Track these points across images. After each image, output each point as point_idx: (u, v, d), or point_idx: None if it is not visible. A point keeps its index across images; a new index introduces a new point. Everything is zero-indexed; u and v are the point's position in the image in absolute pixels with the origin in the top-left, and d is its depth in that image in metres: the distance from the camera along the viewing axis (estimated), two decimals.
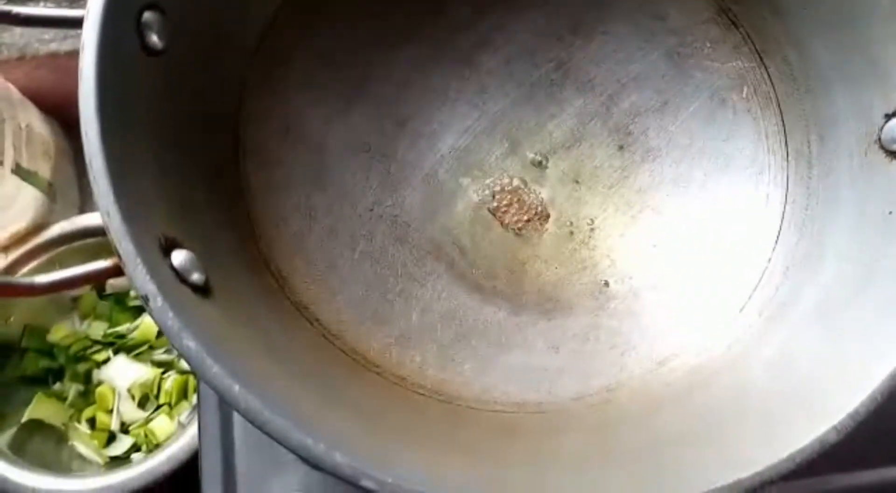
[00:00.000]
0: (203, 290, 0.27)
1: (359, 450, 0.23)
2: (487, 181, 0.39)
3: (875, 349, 0.26)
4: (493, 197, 0.39)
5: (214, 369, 0.24)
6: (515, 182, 0.39)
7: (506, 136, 0.39)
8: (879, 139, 0.31)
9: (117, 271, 0.25)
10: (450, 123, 0.39)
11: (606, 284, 0.37)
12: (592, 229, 0.38)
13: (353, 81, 0.38)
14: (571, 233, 0.38)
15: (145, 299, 0.24)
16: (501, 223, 0.38)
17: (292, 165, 0.36)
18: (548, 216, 0.38)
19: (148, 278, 0.24)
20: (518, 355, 0.35)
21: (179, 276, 0.26)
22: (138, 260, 0.24)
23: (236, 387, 0.23)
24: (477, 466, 0.26)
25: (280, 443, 0.23)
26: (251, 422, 0.23)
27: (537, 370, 0.34)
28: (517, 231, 0.38)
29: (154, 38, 0.29)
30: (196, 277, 0.27)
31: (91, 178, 0.25)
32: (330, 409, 0.26)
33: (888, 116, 0.31)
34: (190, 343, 0.24)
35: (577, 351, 0.35)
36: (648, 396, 0.32)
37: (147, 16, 0.28)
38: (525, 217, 0.38)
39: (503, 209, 0.38)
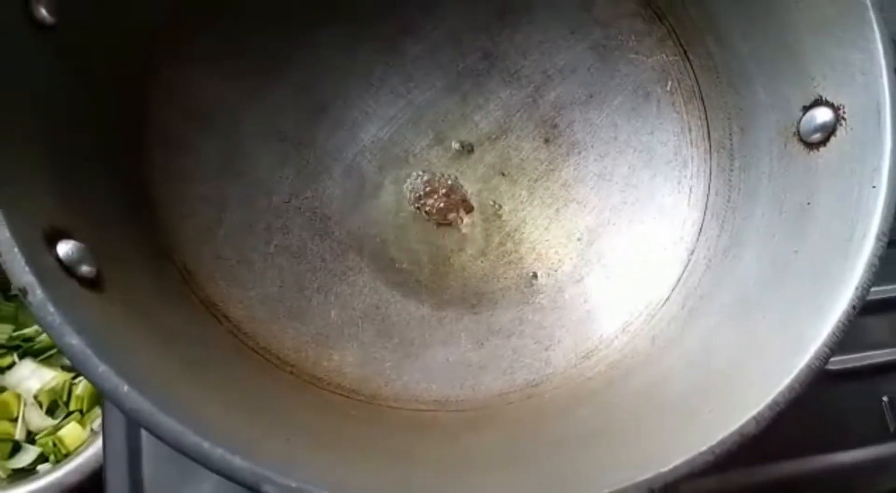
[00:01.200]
0: (92, 283, 0.25)
1: (260, 454, 0.22)
2: (411, 173, 0.37)
3: (792, 341, 0.26)
4: (417, 189, 0.37)
5: (100, 367, 0.22)
6: (440, 174, 0.38)
7: (431, 126, 0.38)
8: (798, 131, 0.32)
9: None
10: (373, 112, 0.38)
11: (535, 276, 0.36)
12: (518, 223, 0.37)
13: (269, 64, 0.36)
14: (497, 226, 0.37)
15: (23, 291, 0.22)
16: (426, 216, 0.37)
17: (202, 153, 0.34)
18: (473, 209, 0.37)
19: (26, 268, 0.22)
20: (441, 351, 0.34)
21: (65, 267, 0.24)
22: (15, 249, 0.22)
23: (124, 387, 0.21)
24: (387, 468, 0.24)
25: (172, 447, 0.21)
26: (140, 424, 0.22)
27: (461, 366, 0.33)
28: (442, 224, 0.37)
29: (43, 12, 0.26)
30: (85, 269, 0.24)
31: None
32: (233, 411, 0.25)
33: (805, 108, 0.31)
34: (72, 340, 0.22)
35: (502, 346, 0.34)
36: (570, 391, 0.32)
37: None
38: (450, 210, 0.37)
39: (427, 202, 0.37)
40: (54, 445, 0.54)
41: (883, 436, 0.39)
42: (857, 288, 0.26)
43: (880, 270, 0.42)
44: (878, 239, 0.26)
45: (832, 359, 0.39)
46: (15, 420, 0.54)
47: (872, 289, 0.40)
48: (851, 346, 0.41)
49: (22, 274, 0.22)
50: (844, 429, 0.39)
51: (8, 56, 0.25)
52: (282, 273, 0.34)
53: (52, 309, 0.22)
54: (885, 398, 0.40)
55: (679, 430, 0.26)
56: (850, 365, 0.41)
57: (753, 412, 0.24)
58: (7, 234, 0.22)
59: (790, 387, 0.25)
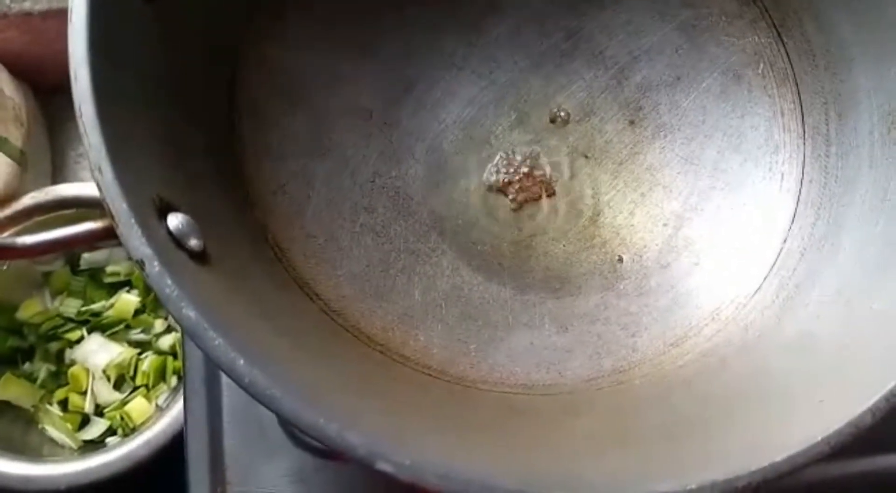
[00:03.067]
0: (201, 256, 0.25)
1: (373, 430, 0.22)
2: (493, 154, 0.37)
3: (891, 347, 0.25)
4: (499, 171, 0.37)
5: (217, 341, 0.22)
6: (522, 156, 0.37)
7: (513, 107, 0.38)
8: None
9: (108, 233, 0.23)
10: (455, 92, 0.37)
11: (620, 259, 0.36)
12: (601, 206, 0.37)
13: (356, 44, 0.35)
14: (580, 209, 0.37)
15: (140, 263, 0.22)
16: (507, 198, 0.37)
17: (290, 130, 0.34)
18: (555, 192, 0.37)
19: (143, 240, 0.22)
20: (525, 334, 0.34)
21: (176, 240, 0.24)
22: (133, 221, 0.22)
23: (241, 361, 0.21)
24: (493, 448, 0.24)
25: (288, 422, 0.21)
26: (256, 398, 0.22)
27: (545, 350, 0.33)
28: (523, 206, 0.37)
29: None
30: (194, 242, 0.25)
31: (81, 128, 0.22)
32: (337, 387, 0.25)
33: None
34: (190, 313, 0.22)
35: (587, 332, 0.34)
36: (661, 379, 0.31)
37: None
38: (532, 192, 0.37)
39: (509, 184, 0.37)
40: (122, 419, 0.55)
41: None
42: None
43: None
44: None
45: None
46: (84, 393, 0.56)
47: None
48: None
49: (140, 246, 0.22)
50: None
51: (120, 21, 0.25)
52: (367, 252, 0.33)
53: (169, 281, 0.22)
54: None
55: (786, 419, 0.25)
56: None
57: (869, 403, 0.24)
58: (125, 206, 0.22)
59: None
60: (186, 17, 0.28)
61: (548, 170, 0.37)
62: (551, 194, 0.37)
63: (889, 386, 0.24)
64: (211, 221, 0.27)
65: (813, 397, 0.25)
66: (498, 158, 0.37)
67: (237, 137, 0.32)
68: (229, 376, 0.22)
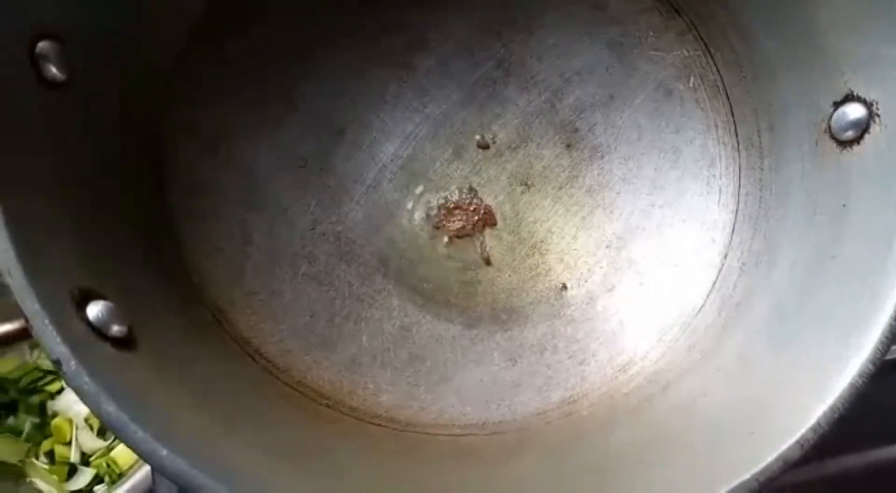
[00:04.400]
0: (125, 342, 0.25)
1: None
2: (433, 190, 0.37)
3: (833, 355, 0.25)
4: (441, 206, 0.37)
5: (138, 433, 0.22)
6: (461, 189, 0.37)
7: (449, 140, 0.38)
8: (829, 128, 0.30)
9: (25, 333, 0.23)
10: (390, 131, 0.37)
11: (565, 287, 0.36)
12: (544, 233, 0.37)
13: (281, 93, 0.35)
14: (523, 238, 0.37)
15: (57, 363, 0.22)
16: (450, 233, 0.37)
17: (223, 189, 0.34)
18: (496, 223, 0.37)
19: (58, 340, 0.22)
20: (475, 371, 0.34)
21: (97, 331, 0.24)
22: (46, 322, 0.22)
23: (163, 452, 0.22)
24: None
25: None
26: (181, 487, 0.22)
27: (495, 386, 0.33)
28: (467, 240, 0.37)
29: (53, 70, 0.26)
30: (116, 329, 0.25)
31: None
32: (276, 460, 0.25)
33: (836, 104, 0.30)
34: (109, 407, 0.22)
35: (535, 363, 0.34)
36: (607, 408, 0.31)
37: (43, 46, 0.26)
38: (474, 225, 0.37)
39: (451, 218, 0.37)
40: (108, 465, 0.55)
41: None
42: None
43: None
44: None
45: None
46: (69, 444, 0.56)
47: None
48: None
49: (54, 346, 0.22)
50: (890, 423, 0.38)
51: (19, 117, 0.25)
52: (311, 302, 0.34)
53: (86, 379, 0.22)
54: None
55: (720, 452, 0.25)
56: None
57: (797, 435, 0.24)
58: (37, 307, 0.22)
59: (833, 408, 0.24)
60: (98, 93, 0.28)
61: (488, 201, 0.37)
62: (493, 225, 0.37)
63: (815, 416, 0.24)
64: (139, 299, 0.27)
65: (745, 428, 0.26)
66: (438, 193, 0.37)
67: (167, 205, 0.32)
68: (153, 467, 0.22)
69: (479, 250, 0.37)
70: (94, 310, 0.25)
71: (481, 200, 0.37)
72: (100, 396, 0.22)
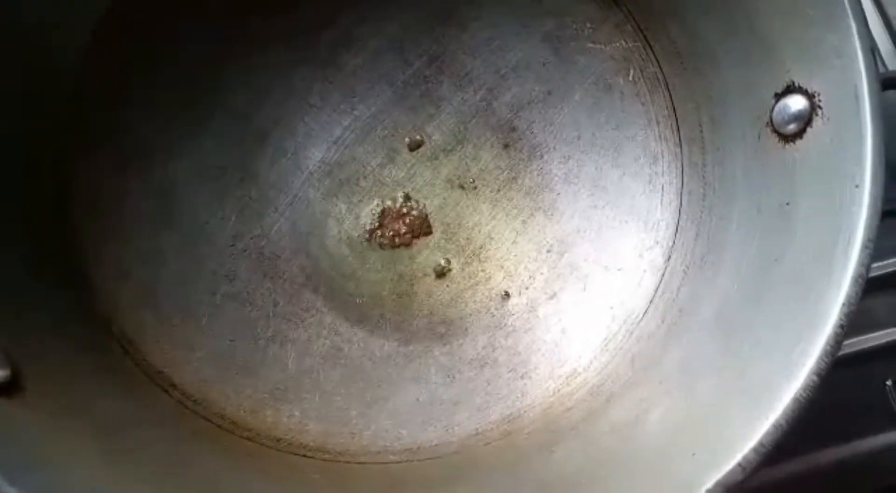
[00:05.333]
0: (10, 387, 0.23)
1: None
2: (364, 197, 0.35)
3: (775, 368, 0.24)
4: (373, 214, 0.35)
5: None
6: (396, 195, 0.35)
7: (381, 143, 0.35)
8: (771, 121, 0.29)
9: None
10: (316, 135, 0.35)
11: (506, 295, 0.34)
12: (482, 239, 0.35)
13: (196, 98, 0.33)
14: (461, 245, 0.35)
15: None
16: (383, 243, 0.35)
17: (132, 206, 0.31)
18: (432, 230, 0.35)
19: None
20: (411, 390, 0.32)
21: None
22: None
23: None
24: None
25: None
26: None
27: (432, 406, 0.31)
28: (401, 249, 0.35)
29: None
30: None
31: None
32: None
33: (778, 96, 0.28)
34: None
35: (475, 378, 0.32)
36: (548, 425, 0.30)
37: None
38: (409, 233, 0.35)
39: (383, 227, 0.35)
40: None
41: (890, 423, 0.37)
42: (844, 305, 0.23)
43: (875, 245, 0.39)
44: (865, 247, 0.24)
45: None
46: None
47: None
48: (861, 328, 0.38)
49: None
50: (848, 419, 0.37)
51: None
52: (231, 325, 0.31)
53: None
54: (888, 382, 0.37)
55: (660, 476, 0.24)
56: (847, 351, 0.38)
57: (738, 457, 0.22)
58: None
59: (777, 425, 0.23)
60: None
61: (423, 207, 0.35)
62: (429, 233, 0.35)
63: (758, 436, 0.22)
64: (31, 336, 0.25)
65: (686, 448, 0.24)
66: (369, 200, 0.35)
67: (68, 227, 0.29)
68: None
69: (414, 260, 0.35)
70: None
71: (416, 206, 0.35)
72: None
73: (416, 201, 0.35)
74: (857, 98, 0.25)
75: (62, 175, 0.30)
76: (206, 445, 0.27)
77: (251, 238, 0.33)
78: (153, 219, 0.31)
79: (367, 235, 0.34)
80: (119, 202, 0.31)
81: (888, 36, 0.41)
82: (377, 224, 0.35)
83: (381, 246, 0.34)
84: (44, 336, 0.25)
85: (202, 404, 0.29)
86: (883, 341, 0.38)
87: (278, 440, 0.29)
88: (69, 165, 0.30)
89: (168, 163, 0.32)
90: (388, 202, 0.35)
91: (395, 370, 0.32)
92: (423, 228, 0.35)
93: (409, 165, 0.35)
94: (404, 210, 0.35)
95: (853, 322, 0.39)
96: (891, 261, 0.39)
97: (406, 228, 0.35)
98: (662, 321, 0.31)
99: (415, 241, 0.35)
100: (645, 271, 0.32)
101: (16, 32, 0.27)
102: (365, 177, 0.35)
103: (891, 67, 0.40)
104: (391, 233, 0.34)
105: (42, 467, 0.21)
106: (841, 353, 0.38)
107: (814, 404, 0.36)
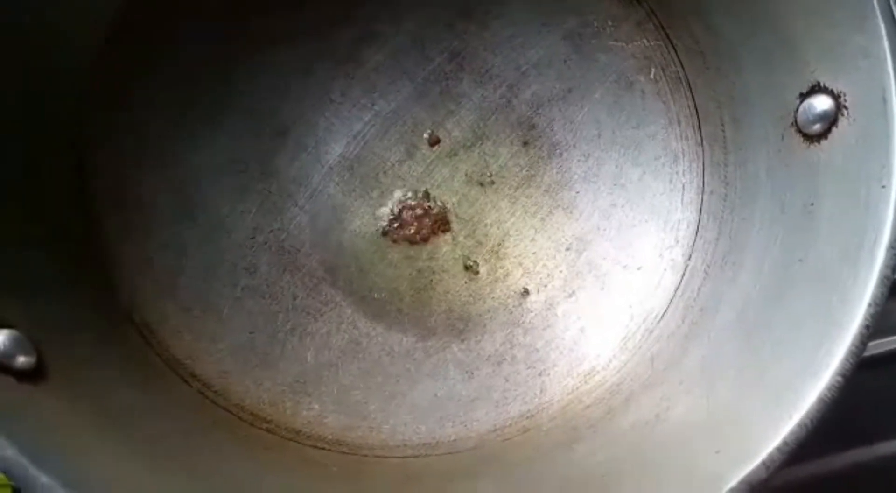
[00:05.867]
0: (33, 374, 0.23)
1: None
2: (383, 192, 0.35)
3: (801, 368, 0.24)
4: (392, 209, 0.35)
5: (42, 479, 0.20)
6: (414, 191, 0.35)
7: (400, 139, 0.36)
8: (795, 121, 0.29)
9: None
10: (337, 130, 0.35)
11: (525, 292, 0.34)
12: (501, 236, 0.35)
13: (218, 93, 0.33)
14: (479, 242, 0.35)
15: None
16: (402, 238, 0.35)
17: (154, 198, 0.31)
18: (450, 226, 0.35)
19: None
20: (429, 385, 0.32)
21: None
22: None
23: None
24: None
25: None
26: None
27: (450, 401, 0.31)
28: (421, 245, 0.35)
29: None
30: (22, 360, 0.22)
31: None
32: None
33: (802, 96, 0.28)
34: (6, 452, 0.20)
35: (493, 375, 0.32)
36: (567, 422, 0.30)
37: None
38: (428, 229, 0.35)
39: (403, 222, 0.35)
40: None
41: None
42: (870, 305, 0.23)
43: None
44: (892, 247, 0.24)
45: None
46: None
47: None
48: (883, 330, 0.38)
49: None
50: (872, 421, 0.37)
51: None
52: (251, 317, 0.31)
53: None
54: None
55: (684, 472, 0.24)
56: (873, 352, 0.38)
57: (763, 455, 0.22)
58: None
59: (801, 424, 0.23)
60: (10, 102, 0.26)
61: (443, 203, 0.35)
62: (448, 229, 0.35)
63: (782, 434, 0.22)
64: (55, 324, 0.25)
65: (710, 445, 0.24)
66: (389, 195, 0.35)
67: (90, 218, 0.29)
68: None
69: (433, 256, 0.35)
70: None
71: (435, 202, 0.35)
72: None
73: (435, 198, 0.35)
74: (884, 99, 0.25)
75: (80, 167, 0.30)
76: (225, 435, 0.28)
77: (271, 232, 0.33)
78: (174, 211, 0.32)
79: (386, 231, 0.35)
80: (140, 194, 0.31)
81: None
82: (396, 220, 0.35)
83: (400, 241, 0.34)
84: (67, 326, 0.26)
85: (222, 394, 0.29)
86: None
87: (297, 432, 0.29)
88: (88, 156, 0.30)
89: (188, 157, 0.32)
90: (408, 198, 0.35)
91: (414, 366, 0.32)
92: (441, 224, 0.35)
93: (428, 161, 0.35)
94: (424, 206, 0.35)
95: (879, 324, 0.39)
96: None
97: (425, 224, 0.35)
98: (683, 321, 0.31)
99: (433, 237, 0.35)
100: (665, 270, 0.32)
101: (32, 34, 0.27)
102: (385, 172, 0.35)
103: None
104: (410, 228, 0.35)
105: (67, 453, 0.21)
106: (866, 354, 0.38)
107: (837, 405, 0.36)
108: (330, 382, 0.31)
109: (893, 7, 0.41)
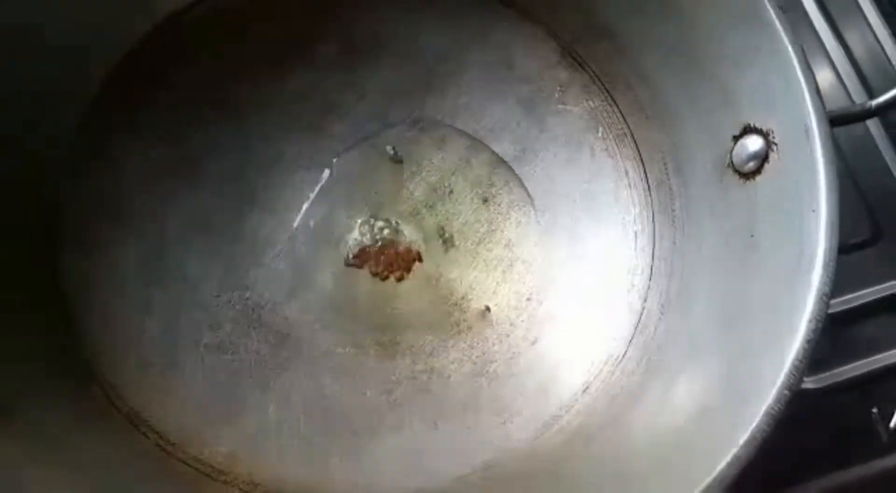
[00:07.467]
0: None
1: None
2: (348, 251, 0.36)
3: (749, 388, 0.24)
4: (357, 266, 0.36)
5: None
6: (378, 249, 0.36)
7: (365, 201, 0.37)
8: (731, 162, 0.30)
9: None
10: (303, 193, 0.36)
11: (488, 341, 0.34)
12: (464, 290, 0.35)
13: (190, 158, 0.35)
14: (443, 296, 0.35)
15: None
16: (367, 294, 0.35)
17: (123, 257, 0.32)
18: (416, 280, 0.36)
19: None
20: (393, 438, 0.31)
21: None
22: None
23: None
24: None
25: None
26: None
27: (414, 453, 0.31)
28: (384, 301, 0.35)
29: None
30: None
31: None
32: None
33: (736, 138, 0.30)
34: None
35: (458, 425, 0.32)
36: (532, 466, 0.29)
37: None
38: (391, 284, 0.35)
39: (367, 278, 0.35)
40: None
41: (878, 450, 0.36)
42: (810, 321, 0.24)
43: (846, 277, 0.40)
44: (826, 267, 0.25)
45: (814, 377, 0.37)
46: None
47: (841, 298, 0.38)
48: (834, 360, 0.38)
49: None
50: (837, 448, 0.36)
51: None
52: (213, 372, 0.32)
53: None
54: (874, 410, 0.37)
55: None
56: (833, 380, 0.38)
57: (714, 473, 0.22)
58: None
59: (751, 439, 0.22)
60: None
61: (407, 260, 0.36)
62: (412, 282, 0.36)
63: (731, 453, 0.22)
64: (16, 371, 0.25)
65: (666, 476, 0.24)
66: (354, 253, 0.36)
67: (58, 273, 0.30)
68: None
69: (399, 309, 0.35)
70: None
71: (399, 259, 0.36)
72: None
73: (400, 255, 0.36)
74: (807, 132, 0.27)
75: (53, 223, 0.31)
76: (181, 488, 0.27)
77: (236, 291, 0.34)
78: (141, 270, 0.32)
79: (351, 287, 0.35)
80: (108, 252, 0.32)
81: (851, 68, 0.43)
82: (360, 277, 0.35)
83: (366, 296, 0.35)
84: (29, 376, 0.26)
85: (181, 448, 0.29)
86: (865, 369, 0.37)
87: (255, 485, 0.29)
88: (61, 213, 0.31)
89: (159, 219, 0.33)
90: (373, 255, 0.36)
91: (377, 418, 0.32)
92: (407, 279, 0.35)
93: (392, 220, 0.37)
94: (389, 261, 0.36)
95: (835, 354, 0.39)
96: (855, 294, 0.39)
97: (390, 279, 0.35)
98: (641, 360, 0.31)
99: (399, 290, 0.35)
100: (623, 314, 0.33)
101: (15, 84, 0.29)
102: (350, 232, 0.36)
103: (857, 100, 0.42)
104: (375, 284, 0.35)
105: None
106: (825, 385, 0.37)
107: (803, 436, 0.35)
108: (291, 435, 0.31)
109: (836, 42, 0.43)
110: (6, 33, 0.28)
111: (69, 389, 0.28)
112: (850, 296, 0.38)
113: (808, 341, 0.24)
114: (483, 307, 0.35)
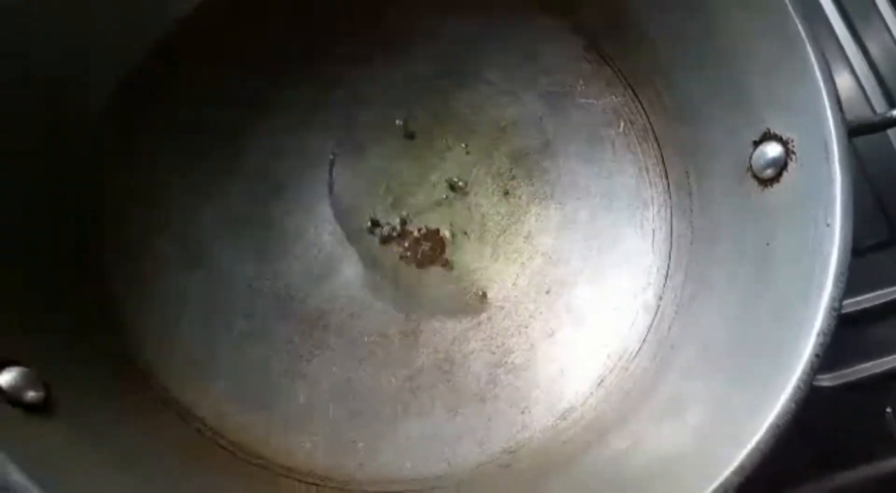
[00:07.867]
0: (42, 408, 0.25)
1: None
2: (373, 241, 0.37)
3: (756, 396, 0.25)
4: (381, 256, 0.37)
5: None
6: (402, 241, 0.37)
7: (388, 192, 0.38)
8: (751, 167, 0.31)
9: None
10: (330, 184, 0.38)
11: (508, 332, 0.36)
12: (485, 281, 0.37)
13: (224, 152, 0.36)
14: (464, 287, 0.37)
15: None
16: (392, 283, 0.37)
17: (160, 249, 0.34)
18: (438, 271, 0.37)
19: None
20: (415, 424, 0.33)
21: (9, 398, 0.24)
22: None
23: None
24: None
25: None
26: None
27: (436, 439, 0.33)
28: (408, 290, 0.37)
29: None
30: (31, 395, 0.24)
31: None
32: None
33: (756, 143, 0.31)
34: (17, 477, 0.21)
35: (477, 413, 0.34)
36: (546, 458, 0.31)
37: None
38: (415, 274, 0.37)
39: (392, 268, 0.37)
40: None
41: (891, 449, 0.37)
42: (819, 335, 0.25)
43: (862, 278, 0.41)
44: (837, 282, 0.25)
45: (830, 375, 0.38)
46: None
47: (856, 298, 0.39)
48: (849, 359, 0.39)
49: None
50: (851, 446, 0.37)
51: None
52: (247, 360, 0.33)
53: None
54: (888, 410, 0.38)
55: None
56: (848, 379, 0.39)
57: (721, 479, 0.24)
58: None
59: (757, 448, 0.24)
60: (26, 152, 0.28)
61: (429, 252, 0.37)
62: (434, 275, 0.37)
63: (740, 458, 0.24)
64: (63, 362, 0.27)
65: (675, 474, 0.25)
66: (378, 244, 0.37)
67: (103, 267, 0.31)
68: None
69: (422, 299, 0.36)
70: (8, 376, 0.24)
71: (422, 251, 0.37)
72: (5, 465, 0.21)
73: (423, 244, 0.37)
74: (825, 146, 0.27)
75: (91, 217, 0.32)
76: (221, 471, 0.29)
77: (266, 280, 0.35)
78: (177, 261, 0.34)
79: (376, 277, 0.36)
80: (145, 245, 0.33)
81: (871, 73, 0.43)
82: (386, 266, 0.37)
83: (390, 286, 0.36)
84: (74, 366, 0.27)
85: (219, 433, 0.31)
86: (881, 369, 0.38)
87: (289, 469, 0.31)
88: (98, 207, 0.32)
89: (193, 214, 0.35)
90: (396, 246, 0.37)
91: (401, 405, 0.34)
92: (428, 270, 0.37)
93: (414, 211, 0.38)
94: (411, 253, 0.37)
95: (849, 353, 0.40)
96: (871, 295, 0.40)
97: (412, 270, 0.37)
98: (654, 358, 0.32)
99: (421, 281, 0.37)
100: (638, 311, 0.34)
101: (48, 90, 0.30)
102: (374, 223, 0.37)
103: (876, 104, 0.43)
104: (399, 274, 0.37)
105: (69, 481, 0.22)
106: (842, 382, 0.39)
107: (818, 434, 0.37)
108: (320, 421, 0.33)
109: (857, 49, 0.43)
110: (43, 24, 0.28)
111: (113, 377, 0.29)
112: (865, 297, 0.39)
113: (817, 355, 0.25)
114: (502, 298, 0.36)
